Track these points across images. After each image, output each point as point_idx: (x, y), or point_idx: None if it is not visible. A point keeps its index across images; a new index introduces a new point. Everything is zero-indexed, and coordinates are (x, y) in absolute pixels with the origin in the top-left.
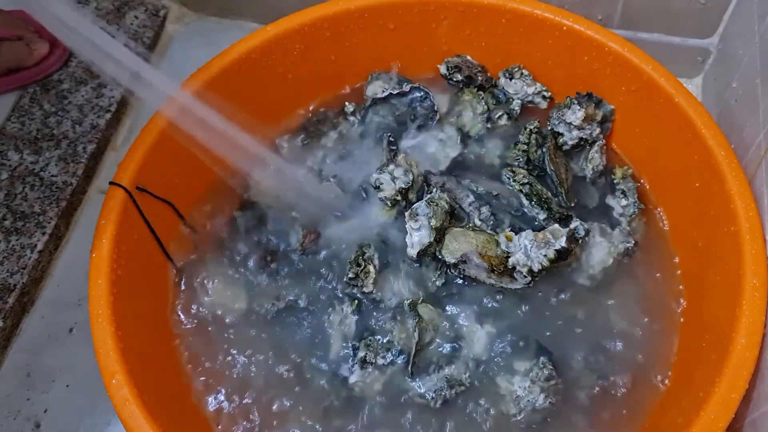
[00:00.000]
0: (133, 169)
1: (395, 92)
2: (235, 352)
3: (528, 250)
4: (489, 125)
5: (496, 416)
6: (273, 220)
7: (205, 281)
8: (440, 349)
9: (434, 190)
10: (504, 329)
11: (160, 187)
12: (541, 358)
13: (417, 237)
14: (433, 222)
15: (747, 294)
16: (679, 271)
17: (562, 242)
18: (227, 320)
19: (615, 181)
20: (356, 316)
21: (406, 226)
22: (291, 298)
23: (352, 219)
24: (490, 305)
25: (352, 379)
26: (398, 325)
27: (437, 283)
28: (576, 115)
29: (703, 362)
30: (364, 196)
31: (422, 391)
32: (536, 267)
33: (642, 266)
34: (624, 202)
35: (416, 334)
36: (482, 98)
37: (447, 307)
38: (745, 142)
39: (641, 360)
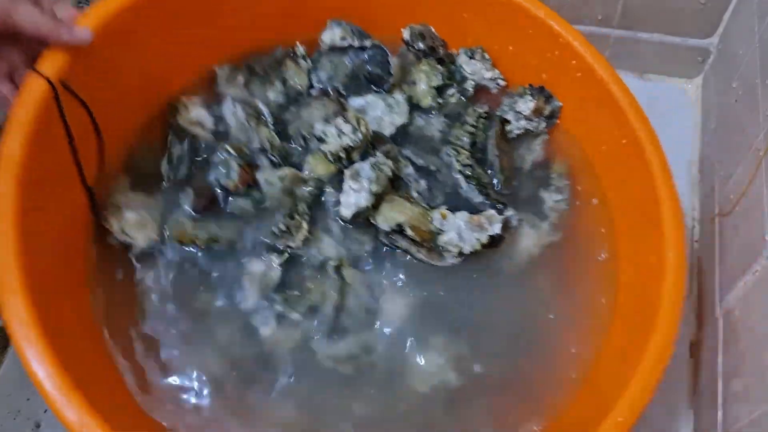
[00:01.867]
0: (61, 62)
1: (356, 45)
2: (145, 284)
3: (461, 231)
4: (440, 100)
5: (404, 390)
6: (205, 151)
7: (122, 207)
8: (358, 315)
9: (379, 155)
10: (423, 304)
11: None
12: (456, 338)
13: (354, 199)
14: (374, 187)
15: (665, 299)
16: (603, 268)
17: (497, 229)
18: (140, 250)
19: (551, 176)
20: (280, 269)
21: (345, 185)
22: (213, 239)
23: (285, 168)
24: (413, 278)
25: (265, 332)
26: (320, 285)
27: (366, 248)
28: (527, 105)
29: (618, 361)
30: (303, 145)
31: (334, 354)
32: (467, 249)
33: (567, 259)
34: (556, 197)
35: (337, 297)
36: (439, 72)
37: (371, 275)
38: (745, 142)
39: (555, 350)
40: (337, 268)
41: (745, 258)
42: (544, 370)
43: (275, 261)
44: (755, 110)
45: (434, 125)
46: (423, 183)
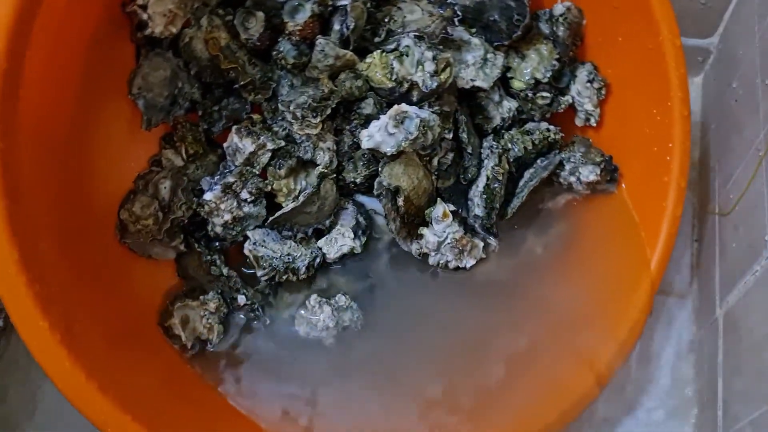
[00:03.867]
0: None
1: None
2: None
3: (442, 242)
4: (530, 93)
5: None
6: None
7: None
8: (307, 230)
9: (434, 113)
10: (365, 260)
11: None
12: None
13: (380, 139)
14: (407, 144)
15: None
16: None
17: (469, 264)
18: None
19: (549, 231)
20: (269, 154)
21: (383, 118)
22: (232, 61)
23: (348, 51)
24: (372, 237)
25: (207, 196)
26: (291, 179)
27: (356, 178)
28: (589, 173)
29: None
30: (380, 39)
31: (259, 253)
32: (431, 260)
33: None
34: (546, 245)
35: (300, 198)
36: (552, 67)
37: (345, 202)
38: (745, 142)
39: None
40: (322, 176)
41: (745, 258)
42: None
43: (269, 144)
44: (755, 110)
45: (502, 110)
46: (450, 157)
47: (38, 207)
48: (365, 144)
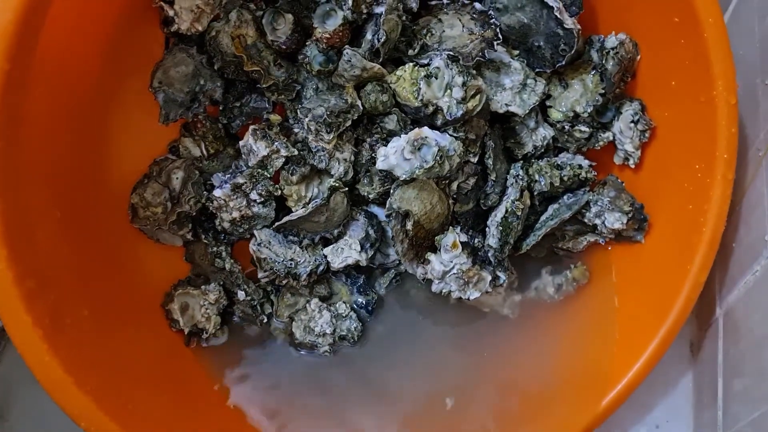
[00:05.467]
0: None
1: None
2: None
3: (448, 273)
4: (567, 125)
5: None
6: None
7: None
8: (314, 236)
9: (458, 141)
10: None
11: None
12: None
13: (395, 162)
14: (419, 173)
15: None
16: None
17: (474, 294)
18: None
19: (567, 275)
20: (282, 160)
21: (400, 140)
22: (255, 62)
23: (376, 64)
24: (380, 263)
25: (216, 193)
26: (302, 186)
27: (370, 193)
28: (615, 221)
29: None
30: (413, 52)
31: (262, 254)
32: (434, 287)
33: None
34: (558, 287)
35: (309, 207)
36: (595, 101)
37: (356, 213)
38: (745, 142)
39: None
40: (333, 189)
41: (745, 258)
42: None
43: (282, 150)
44: (755, 110)
45: (536, 137)
46: (471, 182)
47: (41, 192)
48: (380, 164)
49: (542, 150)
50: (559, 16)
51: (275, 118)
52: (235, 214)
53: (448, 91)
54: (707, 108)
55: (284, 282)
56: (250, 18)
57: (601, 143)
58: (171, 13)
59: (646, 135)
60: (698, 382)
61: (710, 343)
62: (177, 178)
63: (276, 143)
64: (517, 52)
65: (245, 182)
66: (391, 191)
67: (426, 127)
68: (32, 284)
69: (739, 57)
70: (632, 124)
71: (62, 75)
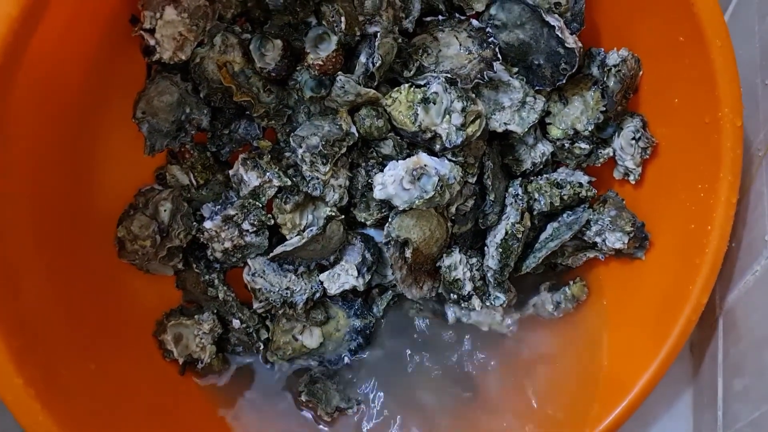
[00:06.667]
0: None
1: (555, 23)
2: None
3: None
4: (567, 143)
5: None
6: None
7: None
8: (309, 264)
9: (457, 166)
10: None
11: None
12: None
13: (393, 192)
14: (419, 203)
15: None
16: None
17: (473, 318)
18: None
19: (566, 292)
20: (275, 189)
21: (398, 169)
22: (245, 89)
23: (371, 89)
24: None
25: (207, 225)
26: (296, 214)
27: (366, 219)
28: (616, 241)
29: None
30: (411, 74)
31: (257, 285)
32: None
33: None
34: (557, 304)
35: (305, 236)
36: (595, 119)
37: (352, 237)
38: (745, 142)
39: None
40: (328, 218)
41: (745, 258)
42: None
43: (274, 180)
44: (755, 110)
45: (534, 153)
46: (470, 204)
47: (25, 237)
48: (377, 194)
49: (541, 166)
50: (560, 35)
51: (265, 144)
52: (228, 245)
53: (447, 116)
54: (712, 129)
55: (280, 311)
56: (236, 42)
57: (601, 160)
58: (152, 42)
59: (648, 152)
60: (698, 382)
61: (710, 343)
62: (165, 210)
63: (268, 173)
64: (516, 69)
65: (236, 213)
66: (389, 219)
67: (424, 155)
68: (20, 343)
69: (739, 57)
70: (633, 141)
71: (44, 101)
